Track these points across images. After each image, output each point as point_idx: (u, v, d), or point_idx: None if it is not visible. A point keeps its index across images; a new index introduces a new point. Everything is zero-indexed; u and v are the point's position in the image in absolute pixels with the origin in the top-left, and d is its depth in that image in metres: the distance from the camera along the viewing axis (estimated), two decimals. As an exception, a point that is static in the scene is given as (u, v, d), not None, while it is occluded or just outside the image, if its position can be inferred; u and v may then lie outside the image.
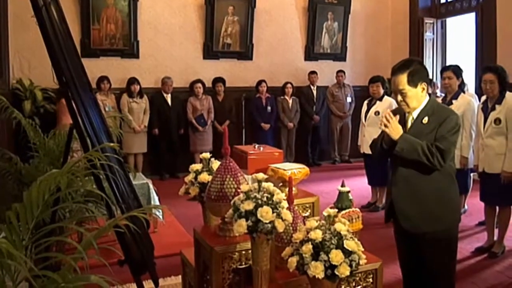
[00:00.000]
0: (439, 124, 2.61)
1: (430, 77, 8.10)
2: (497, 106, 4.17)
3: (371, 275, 2.54)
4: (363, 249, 2.11)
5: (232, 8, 8.07)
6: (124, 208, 2.40)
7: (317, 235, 2.04)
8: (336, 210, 2.30)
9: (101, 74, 7.19)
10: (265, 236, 2.13)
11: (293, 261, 2.07)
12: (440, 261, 2.68)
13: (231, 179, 2.37)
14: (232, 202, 2.21)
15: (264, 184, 2.20)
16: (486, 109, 4.29)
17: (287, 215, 2.13)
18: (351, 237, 2.08)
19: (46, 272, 1.40)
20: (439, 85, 6.81)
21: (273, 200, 2.14)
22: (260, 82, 8.15)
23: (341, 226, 2.09)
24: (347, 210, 2.68)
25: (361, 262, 2.06)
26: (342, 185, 2.79)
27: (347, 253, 2.01)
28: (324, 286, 2.06)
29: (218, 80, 7.96)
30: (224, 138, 2.46)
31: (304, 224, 2.25)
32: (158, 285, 2.66)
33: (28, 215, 1.54)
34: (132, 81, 7.31)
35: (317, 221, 2.14)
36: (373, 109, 5.65)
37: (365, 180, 6.02)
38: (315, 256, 2.01)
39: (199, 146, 7.59)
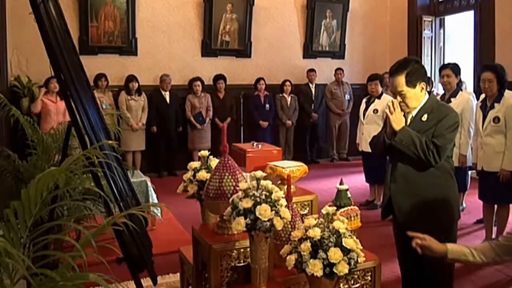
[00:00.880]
0: (438, 121, 2.61)
1: (428, 75, 8.11)
2: (496, 104, 4.18)
3: (370, 273, 2.55)
4: (361, 247, 2.10)
5: (231, 6, 8.06)
6: (122, 206, 2.39)
7: (316, 233, 2.04)
8: (335, 208, 2.30)
9: (99, 71, 7.17)
10: (263, 234, 2.13)
11: (291, 259, 2.07)
12: (438, 258, 2.68)
13: (230, 177, 2.36)
14: (230, 200, 2.21)
15: (262, 182, 2.19)
16: (484, 108, 4.29)
17: (286, 213, 2.13)
18: (349, 235, 2.08)
19: (44, 270, 1.40)
20: (434, 83, 6.83)
21: (271, 198, 2.13)
22: (258, 80, 8.15)
23: (339, 224, 2.09)
24: (345, 208, 2.69)
25: (359, 260, 2.06)
26: (341, 183, 2.79)
27: (346, 251, 2.01)
28: (323, 284, 2.06)
29: (219, 77, 7.95)
30: (223, 136, 2.46)
31: (303, 222, 2.25)
32: (156, 283, 2.66)
33: (26, 213, 1.53)
34: (131, 78, 7.30)
35: (315, 219, 2.14)
36: (371, 107, 5.64)
37: (363, 178, 6.03)
38: (314, 254, 2.01)
39: (198, 144, 7.59)
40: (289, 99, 8.35)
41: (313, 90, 8.61)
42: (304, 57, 8.85)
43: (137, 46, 7.67)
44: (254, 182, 2.21)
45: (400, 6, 8.92)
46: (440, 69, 5.12)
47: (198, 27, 8.07)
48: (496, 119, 4.16)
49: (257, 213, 2.06)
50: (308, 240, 2.04)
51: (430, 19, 8.54)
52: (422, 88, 2.65)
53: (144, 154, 7.56)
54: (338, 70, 8.69)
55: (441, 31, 8.66)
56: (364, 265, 2.38)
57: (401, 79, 2.61)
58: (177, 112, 7.69)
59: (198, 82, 7.71)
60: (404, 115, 2.73)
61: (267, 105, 8.17)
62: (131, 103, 7.31)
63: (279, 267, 2.39)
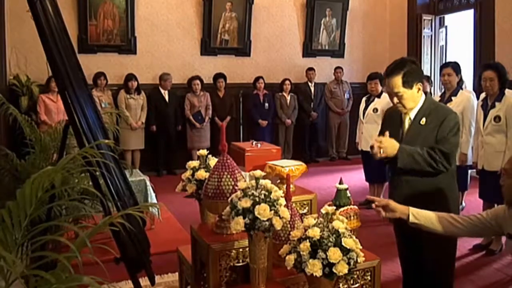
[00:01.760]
0: (439, 125, 2.59)
1: (428, 74, 8.09)
2: (497, 103, 4.16)
3: (369, 273, 2.54)
4: (361, 247, 2.09)
5: (230, 4, 8.04)
6: (119, 206, 2.38)
7: (315, 232, 2.02)
8: (334, 207, 2.28)
9: (98, 70, 7.15)
10: (262, 234, 2.11)
11: (290, 259, 2.06)
12: (439, 258, 2.67)
13: (229, 176, 2.35)
14: (229, 199, 2.19)
15: (261, 182, 2.18)
16: (485, 107, 4.28)
17: (285, 213, 2.11)
18: (349, 235, 2.07)
19: (39, 272, 1.38)
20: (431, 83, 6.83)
21: (270, 198, 2.12)
22: (257, 79, 8.13)
23: (339, 224, 2.07)
24: (345, 208, 2.67)
25: (359, 260, 2.04)
26: (340, 183, 2.77)
27: (345, 251, 2.00)
28: (322, 284, 2.04)
29: (220, 76, 7.93)
30: (222, 135, 2.44)
31: (302, 221, 2.23)
32: (154, 283, 2.64)
33: (21, 213, 1.51)
34: (130, 77, 7.28)
35: (315, 219, 2.13)
36: (371, 106, 5.63)
37: (362, 177, 6.01)
38: (313, 254, 1.99)
39: (197, 143, 7.57)
40: (288, 98, 8.33)
41: (312, 89, 8.59)
42: (303, 56, 8.83)
43: (136, 45, 7.65)
44: (253, 182, 2.19)
45: (400, 4, 8.90)
46: (441, 68, 5.11)
47: (198, 25, 8.05)
48: (497, 118, 4.15)
49: (256, 213, 2.05)
50: (308, 240, 2.02)
51: (430, 18, 8.52)
52: (419, 89, 2.64)
53: (143, 153, 7.54)
54: (338, 69, 8.67)
55: (441, 30, 8.65)
56: (363, 265, 2.37)
57: (398, 80, 2.58)
58: (176, 111, 7.68)
59: (198, 81, 7.69)
60: (401, 116, 2.71)
61: (267, 104, 8.15)
62: (130, 102, 7.29)
63: (278, 267, 2.38)
